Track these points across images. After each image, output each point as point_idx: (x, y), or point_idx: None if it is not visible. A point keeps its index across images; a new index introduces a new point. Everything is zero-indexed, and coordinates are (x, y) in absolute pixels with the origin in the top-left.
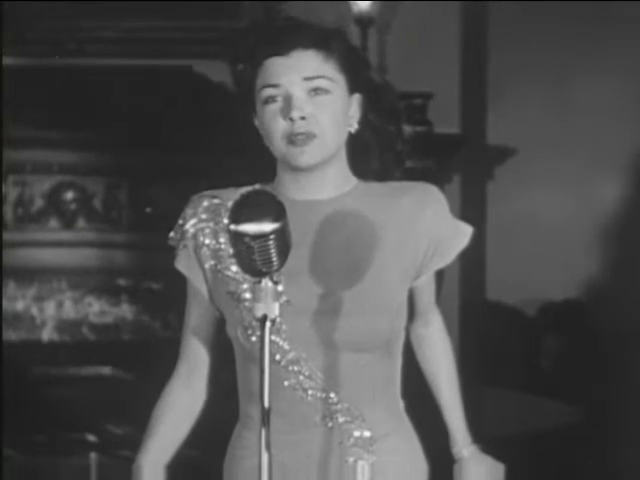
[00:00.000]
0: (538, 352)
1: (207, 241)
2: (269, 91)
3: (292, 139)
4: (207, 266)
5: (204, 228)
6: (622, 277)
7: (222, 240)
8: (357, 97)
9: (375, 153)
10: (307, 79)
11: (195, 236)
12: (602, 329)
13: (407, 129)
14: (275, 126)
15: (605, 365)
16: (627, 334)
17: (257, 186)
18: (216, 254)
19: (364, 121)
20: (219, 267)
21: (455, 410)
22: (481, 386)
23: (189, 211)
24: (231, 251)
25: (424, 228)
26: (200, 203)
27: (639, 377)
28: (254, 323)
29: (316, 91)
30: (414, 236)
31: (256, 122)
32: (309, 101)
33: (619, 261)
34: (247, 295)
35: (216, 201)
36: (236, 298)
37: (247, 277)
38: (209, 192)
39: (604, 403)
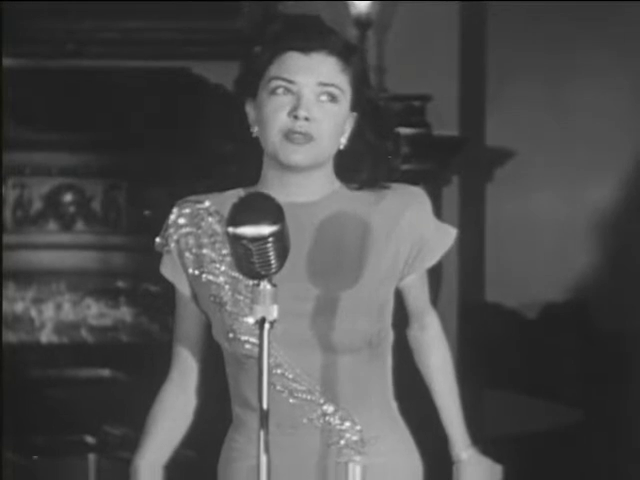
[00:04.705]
0: (538, 354)
1: (190, 246)
2: (281, 84)
3: (290, 136)
4: (190, 271)
5: (187, 234)
6: (622, 278)
7: (204, 245)
8: (353, 115)
9: (368, 166)
10: (322, 84)
11: (178, 242)
12: (602, 330)
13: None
14: (276, 119)
15: (605, 366)
16: (627, 335)
17: (240, 190)
18: (199, 259)
19: (358, 137)
20: (202, 271)
21: (454, 413)
22: (480, 388)
23: (172, 217)
24: (213, 255)
25: (405, 229)
26: (183, 209)
27: (639, 378)
28: (235, 326)
29: (326, 97)
30: (395, 237)
31: (248, 108)
32: (317, 105)
33: (619, 262)
34: (227, 299)
35: (199, 206)
36: (218, 302)
37: (229, 282)
38: (193, 197)
39: (604, 404)
